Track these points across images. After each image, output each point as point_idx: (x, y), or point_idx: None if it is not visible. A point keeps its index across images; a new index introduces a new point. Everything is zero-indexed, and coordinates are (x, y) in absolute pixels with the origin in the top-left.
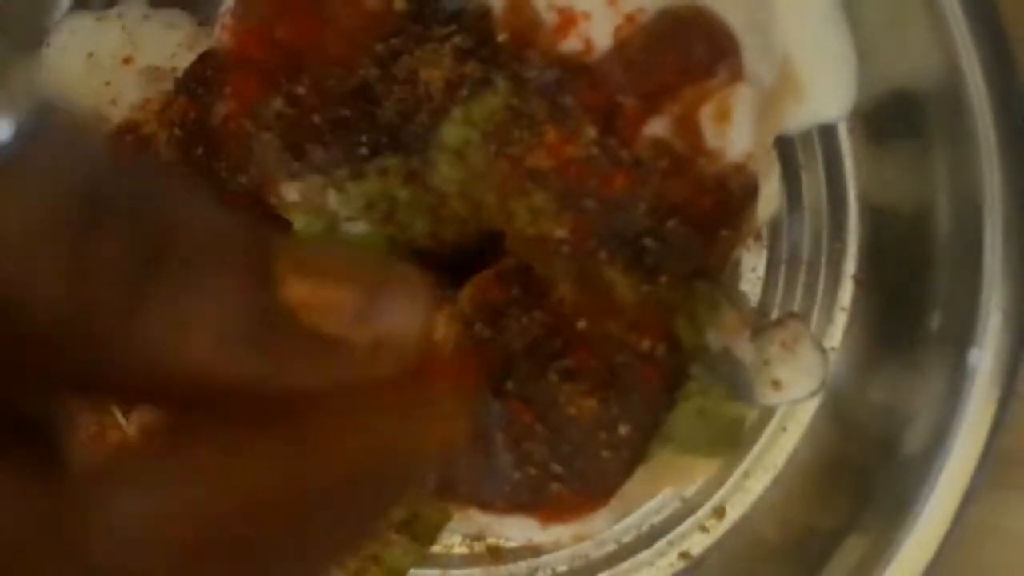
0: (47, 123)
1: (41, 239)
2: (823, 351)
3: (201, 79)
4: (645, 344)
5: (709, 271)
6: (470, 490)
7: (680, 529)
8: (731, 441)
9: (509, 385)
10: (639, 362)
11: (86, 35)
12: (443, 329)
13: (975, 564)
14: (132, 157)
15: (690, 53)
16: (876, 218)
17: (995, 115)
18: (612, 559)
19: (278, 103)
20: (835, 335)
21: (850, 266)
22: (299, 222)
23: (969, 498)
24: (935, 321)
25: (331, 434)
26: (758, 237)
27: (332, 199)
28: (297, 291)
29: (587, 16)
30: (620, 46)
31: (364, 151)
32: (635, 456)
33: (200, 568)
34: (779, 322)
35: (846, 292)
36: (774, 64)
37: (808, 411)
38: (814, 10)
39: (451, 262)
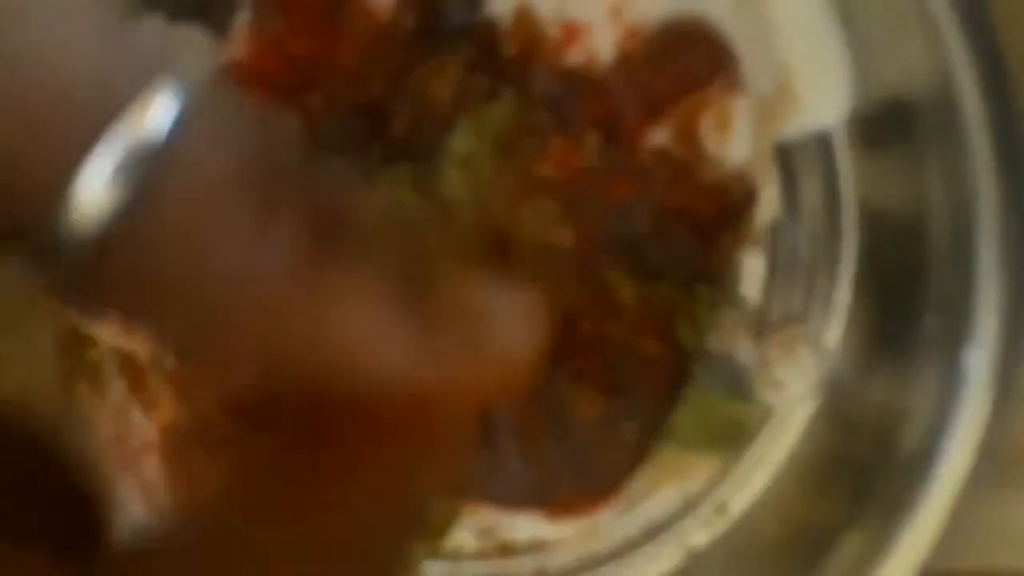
0: (219, 100)
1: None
2: (821, 352)
3: None
4: (648, 346)
5: (710, 275)
6: (481, 487)
7: (682, 524)
8: (732, 439)
9: None
10: (643, 364)
11: None
12: None
13: (974, 563)
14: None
15: (690, 64)
16: (872, 222)
17: (987, 121)
18: (616, 553)
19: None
20: (833, 336)
21: (847, 269)
22: None
23: (965, 495)
24: (931, 322)
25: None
26: (757, 241)
27: None
28: (450, 294)
29: (590, 30)
30: (623, 58)
31: (375, 161)
32: (640, 455)
33: None
34: (778, 324)
35: (843, 294)
36: (772, 74)
37: (807, 410)
38: (811, 21)
39: None
